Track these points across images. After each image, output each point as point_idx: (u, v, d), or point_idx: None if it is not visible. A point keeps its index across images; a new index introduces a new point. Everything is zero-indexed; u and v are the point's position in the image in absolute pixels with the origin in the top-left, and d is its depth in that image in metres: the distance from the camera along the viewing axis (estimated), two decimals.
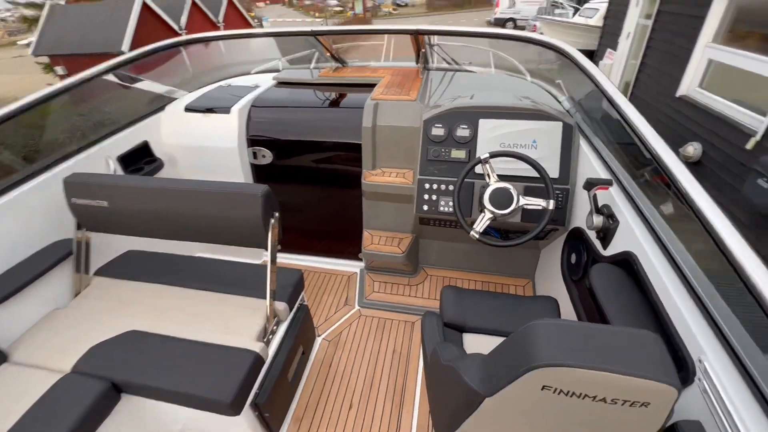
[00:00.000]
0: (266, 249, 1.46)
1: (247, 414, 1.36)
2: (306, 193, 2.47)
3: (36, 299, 1.59)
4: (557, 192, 1.81)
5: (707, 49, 4.76)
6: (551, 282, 2.08)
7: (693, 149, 4.52)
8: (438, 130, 1.98)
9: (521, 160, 1.64)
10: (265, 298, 1.52)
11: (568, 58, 1.84)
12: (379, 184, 2.16)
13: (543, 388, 0.72)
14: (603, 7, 9.09)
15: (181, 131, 2.34)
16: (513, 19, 20.34)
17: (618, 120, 1.46)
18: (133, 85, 2.62)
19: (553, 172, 1.83)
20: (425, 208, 2.01)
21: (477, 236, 1.63)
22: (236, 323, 1.50)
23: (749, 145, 3.87)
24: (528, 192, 1.83)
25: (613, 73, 7.33)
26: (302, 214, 2.55)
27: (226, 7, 20.20)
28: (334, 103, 2.40)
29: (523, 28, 16.72)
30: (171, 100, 2.48)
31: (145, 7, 15.05)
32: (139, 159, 2.22)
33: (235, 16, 21.09)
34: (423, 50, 2.50)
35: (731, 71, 4.43)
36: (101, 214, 1.55)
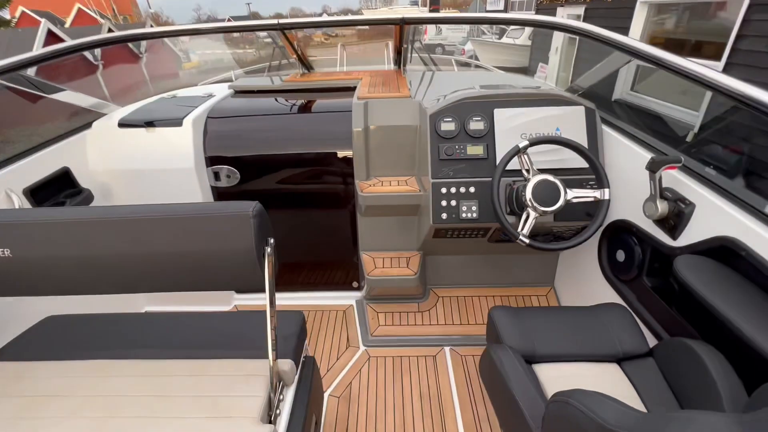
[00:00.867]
0: (255, 290, 1.01)
1: None
2: (284, 217, 2.07)
3: None
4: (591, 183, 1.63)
5: None
6: (580, 286, 1.88)
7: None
8: (448, 125, 1.72)
9: (568, 147, 1.44)
10: (256, 357, 1.08)
11: (590, 36, 1.61)
12: (381, 195, 1.83)
13: None
14: (527, 28, 9.89)
15: (114, 152, 1.86)
16: (442, 45, 21.61)
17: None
18: (47, 96, 2.07)
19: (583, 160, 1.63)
20: (444, 216, 1.69)
21: (527, 241, 1.40)
22: (227, 401, 1.00)
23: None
24: (568, 185, 1.57)
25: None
26: (280, 242, 2.10)
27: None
28: (310, 110, 2.06)
29: (452, 53, 17.76)
30: (99, 115, 1.98)
31: (51, 34, 13.85)
32: (58, 192, 1.70)
33: (158, 46, 20.06)
34: (405, 46, 2.28)
35: (660, 72, 4.90)
36: (2, 268, 0.94)
